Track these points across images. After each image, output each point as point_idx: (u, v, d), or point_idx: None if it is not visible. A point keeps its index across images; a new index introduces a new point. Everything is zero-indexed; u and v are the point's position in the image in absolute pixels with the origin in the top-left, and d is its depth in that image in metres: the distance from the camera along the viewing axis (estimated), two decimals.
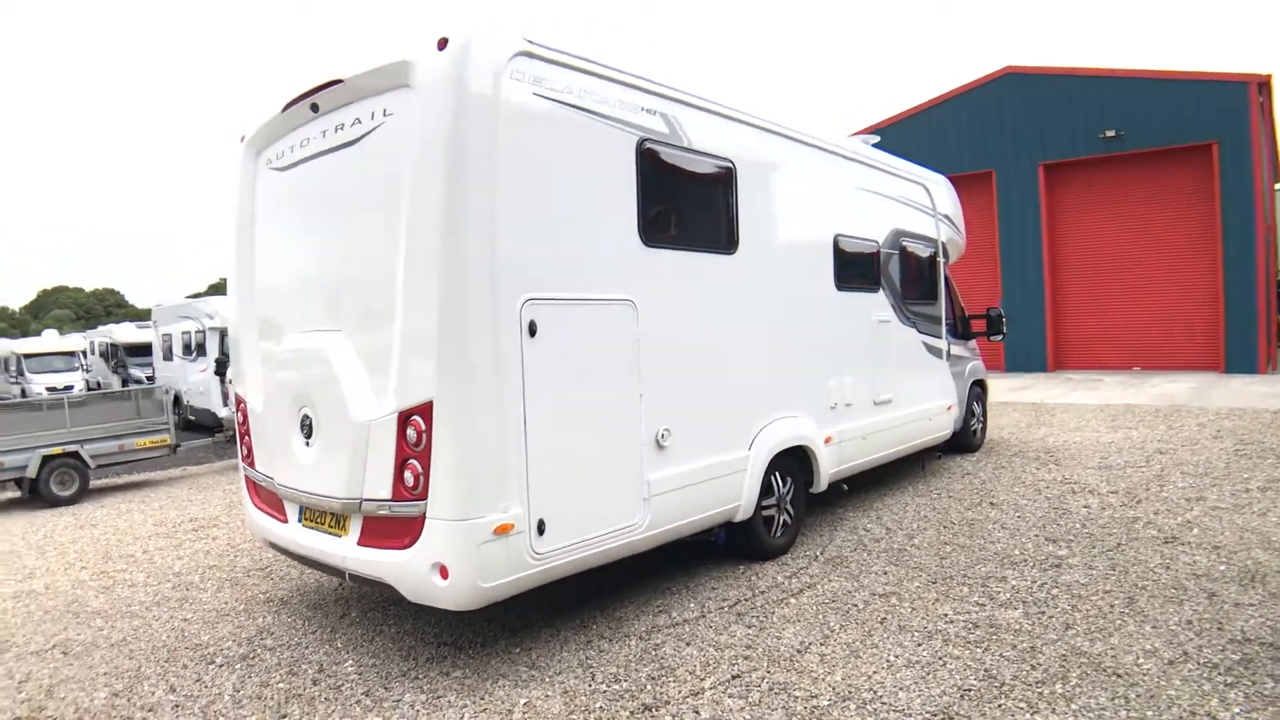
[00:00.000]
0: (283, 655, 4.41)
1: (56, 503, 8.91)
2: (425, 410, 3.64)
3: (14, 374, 23.42)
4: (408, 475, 3.75)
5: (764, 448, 5.37)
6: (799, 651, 4.05)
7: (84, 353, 25.29)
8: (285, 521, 4.63)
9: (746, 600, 4.84)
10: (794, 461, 5.81)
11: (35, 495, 8.93)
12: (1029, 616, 4.34)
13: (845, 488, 6.67)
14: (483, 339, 3.62)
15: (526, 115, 3.81)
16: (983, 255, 19.94)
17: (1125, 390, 14.50)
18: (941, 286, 8.30)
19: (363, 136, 4.02)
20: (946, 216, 8.60)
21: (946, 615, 4.41)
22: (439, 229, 3.54)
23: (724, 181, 5.10)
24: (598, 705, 3.59)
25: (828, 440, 6.10)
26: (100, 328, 29.03)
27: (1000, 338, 9.69)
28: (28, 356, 23.41)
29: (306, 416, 4.34)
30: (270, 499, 4.79)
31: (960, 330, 9.42)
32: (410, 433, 3.71)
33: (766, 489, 5.52)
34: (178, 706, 3.89)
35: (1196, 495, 6.75)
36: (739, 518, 5.24)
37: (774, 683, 3.71)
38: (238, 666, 4.30)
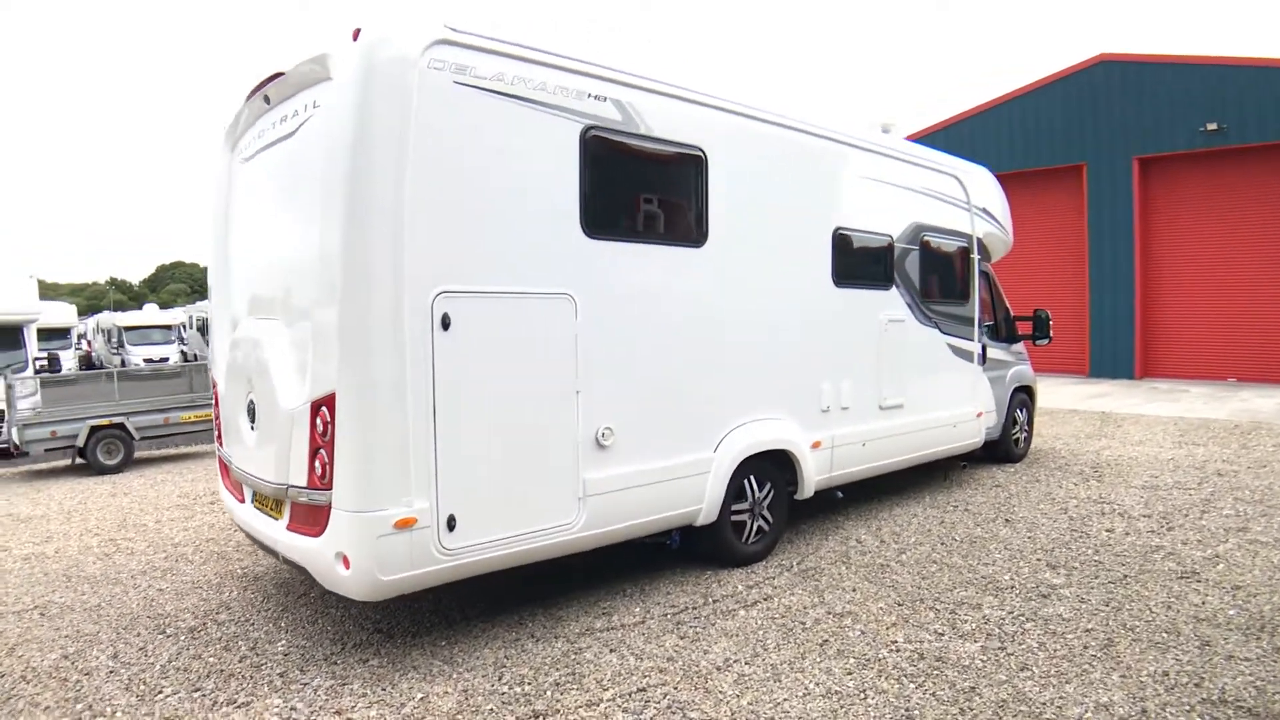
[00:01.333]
0: (228, 630, 4.51)
1: (103, 471, 9.47)
2: (330, 401, 3.60)
3: (115, 345, 25.28)
4: (317, 464, 3.73)
5: (732, 450, 5.10)
6: (719, 669, 3.81)
7: (182, 326, 27.05)
8: (243, 502, 4.72)
9: (695, 609, 4.61)
10: (774, 466, 5.51)
11: (86, 463, 9.56)
12: (986, 651, 3.93)
13: (840, 495, 6.30)
14: (384, 332, 3.54)
15: (445, 105, 3.68)
16: (1070, 253, 18.62)
17: (1208, 403, 13.21)
18: (975, 285, 7.70)
19: (298, 129, 4.02)
20: (985, 210, 7.97)
21: (896, 643, 4.06)
22: (341, 221, 3.49)
23: (692, 170, 4.84)
24: (489, 707, 3.48)
25: (815, 445, 5.76)
26: (198, 303, 30.96)
27: (1046, 341, 8.95)
28: (128, 329, 25.19)
29: (252, 402, 4.40)
30: (234, 479, 4.90)
31: (1004, 333, 8.76)
32: (319, 423, 3.69)
33: (739, 493, 5.26)
34: (111, 672, 4.02)
35: (1239, 525, 6.02)
36: (700, 521, 5.00)
37: (674, 701, 3.49)
38: (183, 638, 4.42)
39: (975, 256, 7.69)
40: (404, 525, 3.63)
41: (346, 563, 3.63)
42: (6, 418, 9.08)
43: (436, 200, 3.68)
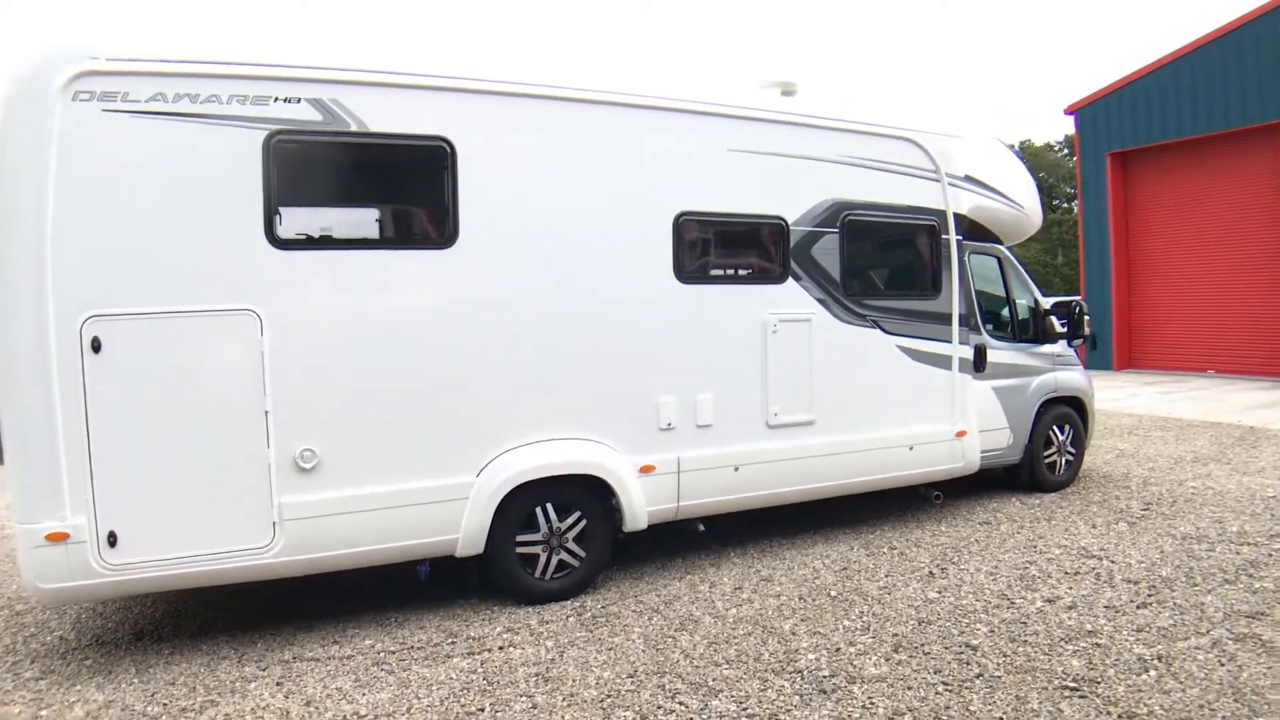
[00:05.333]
0: (40, 618, 4.53)
1: None
2: None
3: None
4: None
5: (501, 475, 4.24)
6: None
7: None
8: None
9: (421, 648, 3.90)
10: (586, 492, 4.55)
11: None
12: None
13: (701, 528, 5.09)
14: (28, 357, 3.44)
15: (92, 135, 3.46)
16: (1262, 232, 14.38)
17: None
18: (952, 273, 5.84)
19: None
20: (970, 180, 6.02)
21: None
22: None
23: (434, 164, 4.06)
24: None
25: (645, 469, 4.67)
26: None
27: (1080, 341, 6.69)
28: None
29: None
30: None
31: (1031, 331, 6.71)
32: None
33: (529, 522, 4.40)
34: None
35: (1256, 609, 3.93)
36: (461, 552, 4.22)
37: None
38: (11, 620, 4.54)
39: (951, 237, 5.86)
40: (56, 538, 3.48)
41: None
42: None
43: (85, 228, 3.49)
